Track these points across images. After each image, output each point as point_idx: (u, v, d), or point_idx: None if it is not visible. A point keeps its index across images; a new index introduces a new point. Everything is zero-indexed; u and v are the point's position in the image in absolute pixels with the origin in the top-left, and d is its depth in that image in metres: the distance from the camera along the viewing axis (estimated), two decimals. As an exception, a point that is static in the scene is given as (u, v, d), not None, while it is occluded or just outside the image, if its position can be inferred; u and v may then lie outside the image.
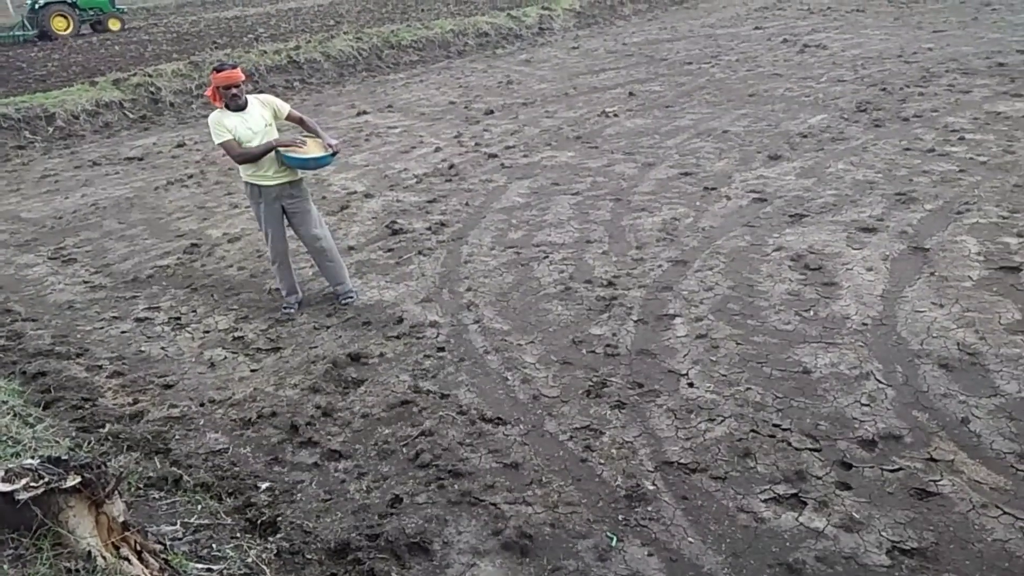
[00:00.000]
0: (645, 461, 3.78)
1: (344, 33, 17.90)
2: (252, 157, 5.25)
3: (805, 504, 3.39)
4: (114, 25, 27.47)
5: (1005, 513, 3.22)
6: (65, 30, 25.86)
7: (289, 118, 5.56)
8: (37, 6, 25.47)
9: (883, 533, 3.19)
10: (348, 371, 4.83)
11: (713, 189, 7.28)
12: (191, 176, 9.59)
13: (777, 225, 6.33)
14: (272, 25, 23.47)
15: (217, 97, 5.25)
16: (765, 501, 3.44)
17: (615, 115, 10.47)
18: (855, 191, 6.85)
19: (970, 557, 3.04)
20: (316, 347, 5.18)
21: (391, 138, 10.50)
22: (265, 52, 15.68)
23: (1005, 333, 4.48)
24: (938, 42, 12.93)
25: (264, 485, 3.88)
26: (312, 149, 5.41)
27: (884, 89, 10.21)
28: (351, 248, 6.79)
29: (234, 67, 5.23)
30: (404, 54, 16.87)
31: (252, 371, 4.98)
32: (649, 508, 3.48)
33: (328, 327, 5.44)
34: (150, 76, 14.01)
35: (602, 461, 3.82)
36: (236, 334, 5.47)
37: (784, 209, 6.63)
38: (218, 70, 5.17)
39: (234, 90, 5.19)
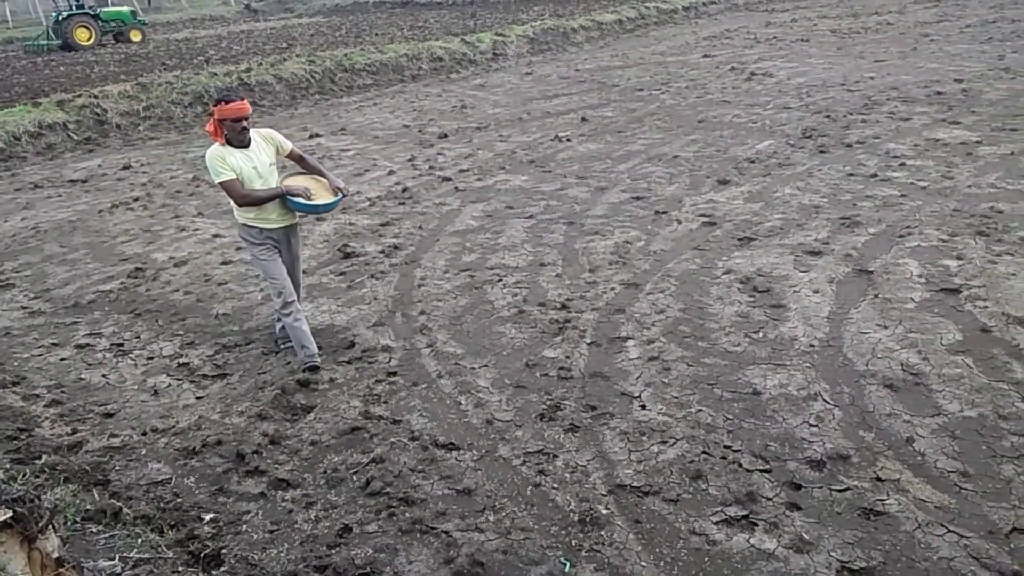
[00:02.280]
0: (598, 484, 3.77)
1: (297, 56, 17.83)
2: (257, 201, 4.78)
3: (756, 525, 3.41)
4: (135, 36, 28.50)
5: (949, 531, 3.27)
6: (87, 40, 26.86)
7: (290, 156, 5.11)
8: (61, 17, 26.50)
9: (832, 553, 3.22)
10: (297, 397, 4.74)
11: (664, 213, 7.37)
12: (137, 199, 9.38)
13: (726, 248, 6.42)
14: (223, 48, 23.25)
15: (219, 131, 4.68)
16: (717, 523, 3.45)
17: (568, 140, 10.56)
18: (801, 215, 7.00)
19: (917, 575, 3.08)
20: (264, 373, 5.07)
21: (344, 161, 10.43)
22: (215, 74, 15.52)
23: (947, 354, 4.59)
24: (879, 71, 13.37)
25: (208, 516, 3.76)
26: (318, 193, 5.01)
27: (828, 116, 10.50)
28: (302, 271, 6.68)
29: (242, 98, 4.64)
30: (357, 77, 16.84)
31: (197, 398, 4.85)
32: (602, 532, 3.46)
33: (277, 352, 5.33)
34: (96, 97, 13.74)
35: (555, 485, 3.79)
36: (181, 360, 5.33)
37: (733, 233, 6.74)
38: (225, 101, 4.57)
39: (244, 123, 4.64)
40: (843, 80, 12.90)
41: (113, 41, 28.10)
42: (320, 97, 15.83)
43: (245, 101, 4.65)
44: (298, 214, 5.13)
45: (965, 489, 3.51)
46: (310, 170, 5.16)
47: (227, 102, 4.56)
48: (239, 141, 4.71)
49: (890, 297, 5.32)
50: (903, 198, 7.18)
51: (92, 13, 27.39)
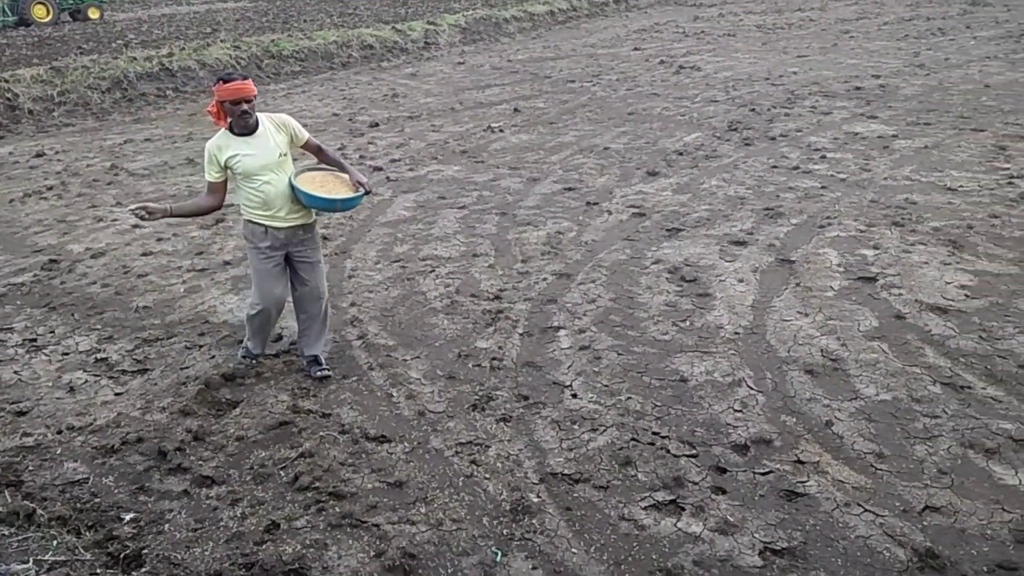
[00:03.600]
0: (530, 473, 3.78)
1: (221, 41, 17.31)
2: (189, 213, 4.55)
3: (683, 510, 3.48)
4: (93, 13, 27.96)
5: (866, 511, 3.40)
6: (45, 18, 26.29)
7: (306, 147, 4.56)
8: None
9: (756, 535, 3.31)
10: (222, 392, 4.61)
11: (595, 204, 7.44)
12: (51, 188, 8.97)
13: (655, 239, 6.52)
14: (143, 31, 22.42)
15: (221, 115, 4.18)
16: (645, 508, 3.50)
17: (501, 130, 10.55)
18: (727, 206, 7.16)
19: (836, 554, 3.19)
20: (188, 368, 4.92)
21: (271, 150, 10.17)
22: (135, 59, 14.95)
23: (864, 340, 4.76)
24: (802, 66, 13.77)
25: (128, 516, 3.62)
26: (336, 187, 4.44)
27: (753, 110, 10.77)
28: (227, 263, 6.52)
29: (244, 78, 4.11)
30: (285, 64, 16.46)
31: (116, 395, 4.68)
32: (534, 521, 3.47)
33: (201, 346, 5.18)
34: (6, 81, 13.07)
35: (487, 476, 3.79)
36: (99, 356, 5.13)
37: (662, 223, 6.84)
38: (224, 80, 4.07)
39: (244, 106, 4.11)
40: (767, 75, 13.23)
41: (70, 19, 27.54)
42: (246, 84, 15.41)
43: (248, 81, 4.12)
44: (314, 214, 4.58)
45: (881, 470, 3.65)
46: (329, 163, 4.65)
47: (226, 81, 4.06)
48: (241, 127, 4.20)
49: (811, 286, 5.49)
50: (823, 190, 7.42)
51: None
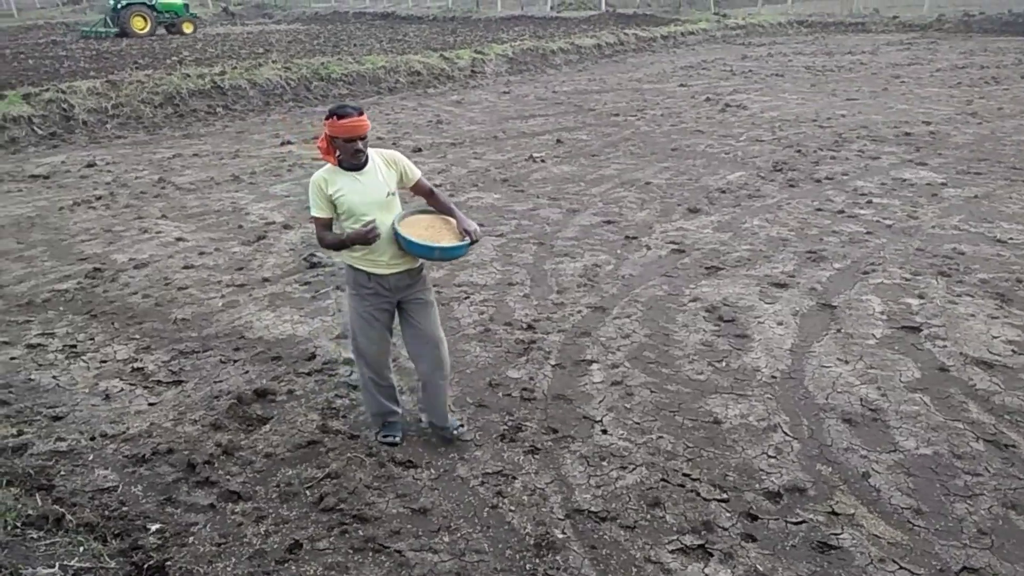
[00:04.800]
0: (556, 508, 3.73)
1: (272, 62, 17.71)
2: (333, 246, 3.96)
3: (711, 555, 3.39)
4: (188, 28, 29.93)
5: (901, 568, 3.29)
6: (143, 29, 28.16)
7: (416, 188, 4.14)
8: (119, 6, 27.79)
9: (786, 587, 3.21)
10: (253, 408, 4.64)
11: (634, 238, 7.40)
12: (99, 198, 9.20)
13: (694, 276, 6.46)
14: (198, 50, 23.04)
15: (330, 151, 3.87)
16: (672, 552, 3.42)
17: (542, 161, 10.59)
18: (769, 247, 7.07)
19: (868, 612, 3.08)
20: (221, 381, 4.96)
21: (315, 170, 10.32)
22: (188, 75, 15.35)
23: (905, 391, 4.64)
24: (850, 109, 13.63)
25: (154, 527, 3.65)
26: (442, 234, 4.00)
27: (799, 151, 10.66)
28: (265, 280, 6.60)
29: (360, 113, 3.75)
30: (333, 87, 16.77)
31: (150, 405, 4.73)
32: (557, 557, 3.41)
33: (236, 361, 5.23)
34: (63, 92, 13.50)
35: (513, 508, 3.74)
36: (136, 365, 5.20)
37: (701, 261, 6.78)
38: (339, 116, 3.72)
39: (359, 144, 3.78)
40: (815, 116, 13.12)
41: (166, 32, 29.28)
42: (294, 104, 15.73)
43: (363, 117, 3.76)
44: (420, 260, 4.09)
45: (918, 526, 3.53)
46: (438, 207, 4.20)
47: (341, 116, 3.72)
48: (352, 164, 3.87)
49: (852, 332, 5.38)
50: (869, 235, 7.29)
51: (149, 3, 28.56)
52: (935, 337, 5.26)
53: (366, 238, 3.77)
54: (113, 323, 5.86)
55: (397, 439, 4.30)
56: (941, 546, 3.40)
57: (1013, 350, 5.06)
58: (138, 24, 28.16)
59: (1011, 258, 6.61)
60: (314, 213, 3.94)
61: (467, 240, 3.96)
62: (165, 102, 14.32)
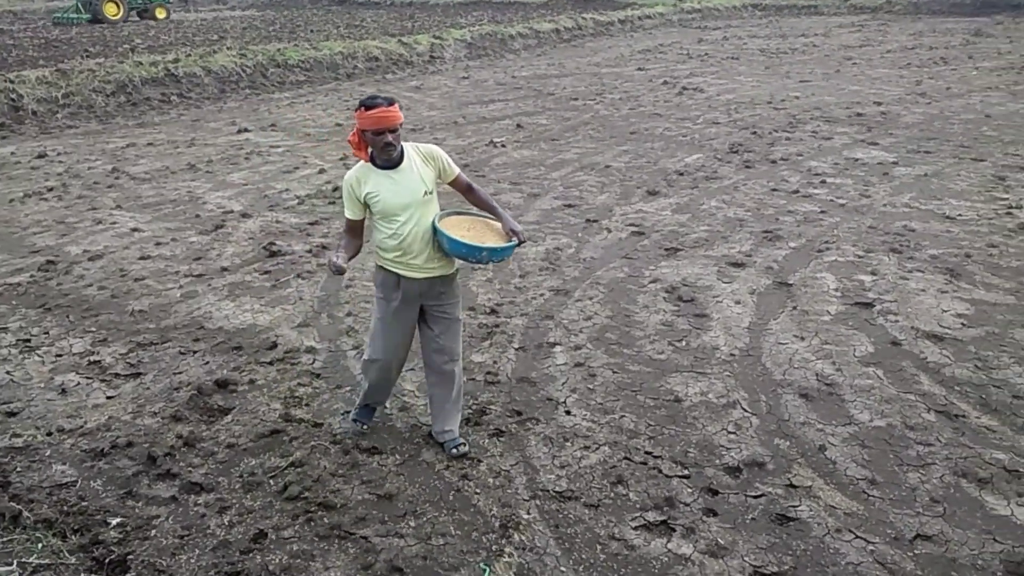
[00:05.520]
0: (521, 490, 3.76)
1: (227, 49, 17.39)
2: (352, 250, 3.80)
3: (674, 531, 3.46)
4: (160, 13, 29.73)
5: (857, 537, 3.38)
6: (116, 15, 27.95)
7: (455, 184, 3.91)
8: None
9: (746, 558, 3.28)
10: (215, 398, 4.59)
11: (595, 221, 7.45)
12: (51, 189, 8.98)
13: (653, 258, 6.53)
14: (151, 37, 22.52)
15: (362, 146, 3.64)
16: (636, 528, 3.48)
17: (503, 145, 10.58)
18: (726, 228, 7.17)
19: (825, 579, 3.17)
20: (181, 373, 4.90)
21: (273, 157, 10.20)
22: (140, 63, 15.01)
23: (859, 365, 4.76)
24: (804, 91, 13.84)
25: (115, 521, 3.60)
26: (485, 234, 3.81)
27: (755, 133, 10.81)
28: (224, 269, 6.51)
29: (390, 103, 3.51)
30: (290, 73, 16.54)
31: (108, 398, 4.65)
32: (523, 537, 3.45)
33: (195, 352, 5.16)
34: (11, 82, 13.12)
35: (478, 491, 3.77)
36: (92, 358, 5.11)
37: (660, 243, 6.85)
38: (367, 107, 3.50)
39: (388, 137, 3.53)
40: (770, 98, 13.30)
41: (137, 18, 29.06)
42: (251, 92, 15.48)
43: (394, 107, 3.52)
44: (456, 263, 3.91)
45: (873, 496, 3.63)
46: (480, 205, 4.01)
47: (368, 107, 3.49)
48: (385, 160, 3.63)
49: (807, 309, 5.49)
50: (823, 214, 7.43)
51: None
52: (887, 312, 5.39)
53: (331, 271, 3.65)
54: (68, 316, 5.75)
55: (364, 429, 4.22)
56: (895, 515, 3.51)
57: (962, 323, 5.21)
58: (110, 10, 27.91)
59: (960, 234, 6.80)
60: (348, 215, 3.77)
61: (515, 241, 3.80)
62: (117, 91, 13.99)
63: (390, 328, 3.91)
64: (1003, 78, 14.56)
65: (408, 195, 3.65)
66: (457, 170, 3.89)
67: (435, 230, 3.71)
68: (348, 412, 4.36)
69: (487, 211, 4.00)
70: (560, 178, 8.95)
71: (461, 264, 3.98)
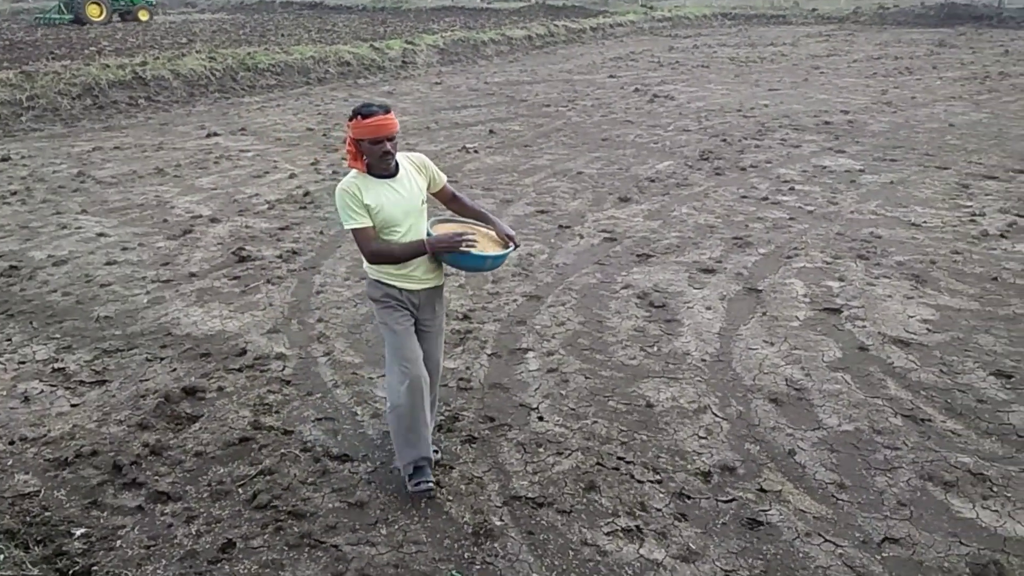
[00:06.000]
0: (493, 496, 3.75)
1: (197, 52, 17.20)
2: (395, 259, 3.56)
3: (645, 536, 3.46)
4: (143, 16, 29.59)
5: (826, 540, 3.42)
6: (98, 16, 27.88)
7: (441, 193, 3.84)
8: None
9: (717, 563, 3.30)
10: (182, 406, 4.52)
11: (567, 227, 7.47)
12: (14, 193, 8.80)
13: (625, 264, 6.56)
14: (118, 39, 22.22)
15: (358, 156, 3.49)
16: (608, 534, 3.48)
17: (475, 151, 10.58)
18: (697, 234, 7.23)
19: (795, 583, 3.19)
20: (147, 380, 4.82)
21: (243, 162, 10.10)
22: (107, 66, 14.79)
23: (827, 370, 4.81)
24: (773, 99, 14.01)
25: (79, 531, 3.53)
26: (483, 243, 3.73)
27: (725, 140, 10.92)
28: (193, 275, 6.43)
29: (387, 111, 3.42)
30: (261, 77, 16.40)
31: (73, 406, 4.56)
32: (496, 544, 3.43)
33: (162, 358, 5.08)
34: (-27, 83, 12.86)
35: (450, 497, 3.75)
36: (56, 365, 5.01)
37: (632, 249, 6.89)
38: (363, 115, 3.38)
39: (387, 145, 3.42)
40: (739, 106, 13.44)
41: (119, 19, 28.97)
42: (220, 95, 15.33)
43: (390, 115, 3.42)
44: (445, 273, 3.88)
45: (841, 500, 3.67)
46: (467, 213, 3.95)
47: (365, 116, 3.38)
48: (383, 169, 3.50)
49: (777, 315, 5.55)
50: (791, 221, 7.52)
51: None
52: (855, 318, 5.46)
53: (453, 247, 3.49)
54: (31, 322, 5.63)
55: (431, 483, 3.74)
56: (864, 518, 3.55)
57: (928, 328, 5.30)
58: (93, 11, 27.78)
59: (925, 241, 6.92)
60: (352, 225, 3.49)
61: (512, 247, 3.77)
62: (84, 93, 13.77)
63: (408, 332, 3.68)
64: (966, 88, 14.87)
65: (409, 204, 3.57)
66: (444, 179, 3.84)
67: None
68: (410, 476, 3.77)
69: (477, 219, 3.94)
70: (533, 184, 8.97)
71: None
